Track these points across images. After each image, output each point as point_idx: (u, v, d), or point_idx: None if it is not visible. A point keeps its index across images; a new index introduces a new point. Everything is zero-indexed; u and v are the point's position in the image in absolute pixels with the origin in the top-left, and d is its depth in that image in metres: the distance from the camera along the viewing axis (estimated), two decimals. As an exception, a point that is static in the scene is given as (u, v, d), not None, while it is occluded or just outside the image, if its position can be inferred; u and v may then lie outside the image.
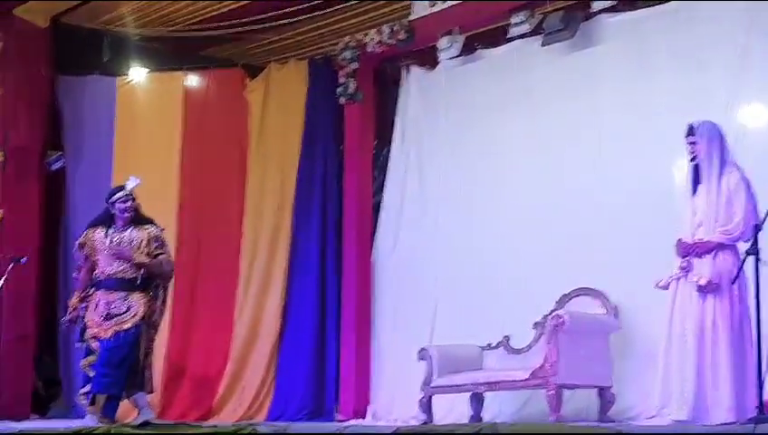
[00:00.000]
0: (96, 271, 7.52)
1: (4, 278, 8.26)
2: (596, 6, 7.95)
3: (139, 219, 7.55)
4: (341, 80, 9.66)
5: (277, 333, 9.60)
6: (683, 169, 6.54)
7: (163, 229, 7.70)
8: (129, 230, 7.48)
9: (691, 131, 6.16)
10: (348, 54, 9.56)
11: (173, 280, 7.88)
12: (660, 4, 7.97)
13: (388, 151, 9.88)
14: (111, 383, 7.30)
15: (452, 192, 9.22)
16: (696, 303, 6.04)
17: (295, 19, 9.64)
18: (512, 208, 8.69)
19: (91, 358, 7.41)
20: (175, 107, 10.24)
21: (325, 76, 10.01)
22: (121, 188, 7.60)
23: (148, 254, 7.45)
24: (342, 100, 9.68)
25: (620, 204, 7.87)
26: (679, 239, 6.20)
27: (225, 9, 9.67)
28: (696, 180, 6.18)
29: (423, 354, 8.07)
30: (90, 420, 7.36)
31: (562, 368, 7.12)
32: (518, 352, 8.00)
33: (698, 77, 7.57)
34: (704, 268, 6.04)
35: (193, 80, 10.39)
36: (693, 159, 6.16)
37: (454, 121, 9.33)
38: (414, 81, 9.80)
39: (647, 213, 7.57)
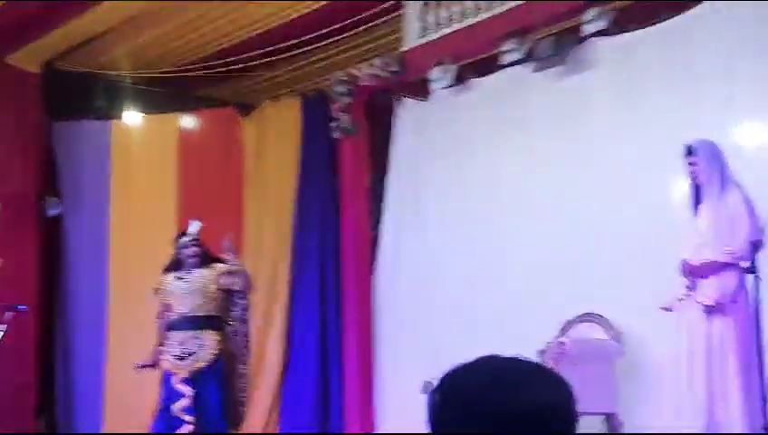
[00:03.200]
0: (169, 313, 7.81)
1: (4, 326, 8.21)
2: (587, 30, 7.91)
3: (207, 260, 7.84)
4: (335, 114, 9.64)
5: (280, 368, 9.55)
6: (681, 191, 6.51)
7: (230, 263, 7.89)
8: (197, 271, 7.77)
9: (690, 151, 6.13)
10: (340, 88, 9.55)
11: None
12: (652, 26, 7.96)
13: (385, 183, 9.86)
14: (217, 427, 7.61)
15: (449, 221, 9.18)
16: (703, 323, 6.00)
17: (287, 54, 9.65)
18: (511, 235, 8.66)
19: (184, 401, 7.56)
20: (170, 149, 10.25)
21: (319, 111, 10.01)
22: (184, 233, 7.89)
23: (219, 288, 7.75)
24: (337, 134, 9.66)
25: (619, 227, 7.83)
26: (684, 260, 6.16)
27: (217, 48, 9.70)
28: (698, 200, 6.15)
29: (427, 387, 7.99)
30: None
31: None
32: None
33: (692, 98, 7.55)
34: (709, 289, 6.00)
35: (187, 121, 10.40)
36: (693, 180, 6.13)
37: (449, 151, 9.31)
38: (407, 112, 9.80)
39: (646, 236, 7.53)
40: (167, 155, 10.24)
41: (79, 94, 10.21)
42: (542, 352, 7.76)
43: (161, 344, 7.83)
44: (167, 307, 7.88)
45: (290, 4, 8.94)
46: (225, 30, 9.45)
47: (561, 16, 8.13)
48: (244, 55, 9.65)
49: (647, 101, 7.85)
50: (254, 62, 9.76)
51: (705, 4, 7.45)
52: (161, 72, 10.10)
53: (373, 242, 9.76)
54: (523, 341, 7.96)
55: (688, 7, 7.59)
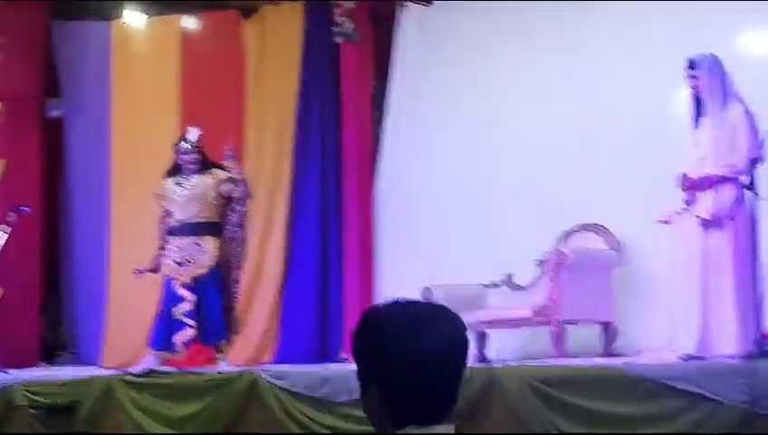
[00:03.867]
0: (169, 219, 7.94)
1: (8, 228, 8.30)
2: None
3: (206, 166, 7.95)
4: (337, 19, 9.54)
5: (280, 277, 9.59)
6: (682, 103, 6.51)
7: (230, 171, 8.04)
8: (196, 177, 7.88)
9: (691, 65, 6.12)
10: (344, -7, 9.45)
11: None
12: None
13: (388, 90, 9.81)
14: (218, 332, 7.89)
15: (452, 129, 9.17)
16: (700, 236, 6.06)
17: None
18: (512, 141, 8.66)
19: (186, 305, 7.74)
20: (172, 51, 10.15)
21: (321, 15, 9.87)
22: (184, 139, 7.99)
23: (218, 195, 7.87)
24: (339, 40, 9.57)
25: (620, 139, 7.86)
26: (683, 173, 6.19)
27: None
28: (698, 113, 6.16)
29: (426, 294, 8.07)
30: (153, 363, 7.80)
31: (565, 304, 7.15)
32: (522, 289, 8.02)
33: (697, 8, 7.50)
34: (707, 202, 6.04)
35: (188, 22, 10.29)
36: (695, 94, 6.13)
37: (452, 57, 9.25)
38: (411, 18, 9.68)
39: (647, 147, 7.57)
40: (169, 57, 10.15)
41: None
42: (541, 262, 7.85)
43: (162, 249, 7.91)
44: (167, 213, 7.95)
45: None
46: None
47: None
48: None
49: (650, 12, 7.79)
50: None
51: None
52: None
53: (374, 148, 9.76)
54: (523, 250, 8.06)
55: None
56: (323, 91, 9.88)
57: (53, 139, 10.38)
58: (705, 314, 6.00)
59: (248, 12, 10.42)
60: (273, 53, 10.02)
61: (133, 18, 10.25)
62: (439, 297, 7.98)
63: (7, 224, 8.50)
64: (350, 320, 9.30)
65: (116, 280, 9.66)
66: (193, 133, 7.99)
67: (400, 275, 9.15)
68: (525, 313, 7.36)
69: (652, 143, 7.50)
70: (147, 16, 10.25)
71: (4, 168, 9.62)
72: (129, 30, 10.28)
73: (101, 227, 9.96)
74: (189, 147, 7.92)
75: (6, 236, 8.40)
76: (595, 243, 7.73)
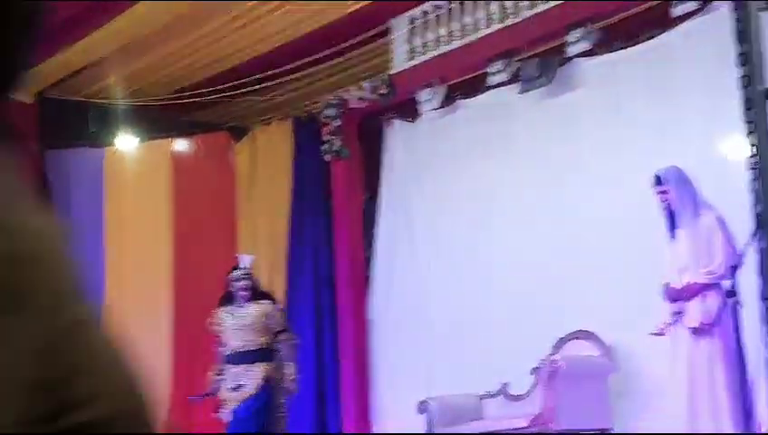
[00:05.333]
0: (223, 347, 8.06)
1: None
2: (571, 51, 8.03)
3: (256, 295, 8.04)
4: (326, 137, 9.73)
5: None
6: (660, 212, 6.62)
7: (278, 305, 8.24)
8: (247, 307, 7.95)
9: (658, 181, 6.28)
10: (331, 112, 9.65)
11: None
12: (635, 45, 8.08)
13: (377, 204, 9.95)
14: None
15: (442, 241, 9.27)
16: (691, 344, 6.13)
17: (278, 81, 9.74)
18: (502, 254, 8.75)
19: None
20: (163, 174, 10.31)
21: (310, 134, 10.09)
22: (236, 267, 8.06)
23: (264, 328, 7.93)
24: (328, 157, 9.75)
25: (607, 245, 7.93)
26: (667, 285, 6.29)
27: (209, 74, 9.80)
28: (673, 225, 6.29)
29: (422, 407, 8.09)
30: None
31: (562, 413, 7.16)
32: (517, 398, 8.03)
33: (676, 117, 7.66)
34: (694, 311, 6.13)
35: (180, 145, 10.48)
36: (666, 207, 6.28)
37: (439, 171, 9.41)
38: (397, 133, 9.90)
39: (634, 254, 7.63)
40: (160, 180, 10.30)
41: (72, 122, 10.28)
42: (535, 370, 7.88)
43: (219, 374, 8.06)
44: (221, 341, 8.11)
45: (279, 30, 9.05)
46: (216, 55, 9.55)
47: (546, 38, 8.25)
48: (236, 82, 9.73)
49: (632, 119, 7.96)
50: (246, 88, 9.84)
51: (687, 22, 7.56)
52: (154, 99, 10.19)
53: (367, 263, 9.85)
54: (517, 359, 8.09)
55: (670, 26, 7.72)
56: (315, 207, 10.01)
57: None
58: (697, 418, 6.03)
59: (240, 132, 10.63)
60: (265, 171, 10.19)
61: (126, 143, 10.42)
62: (435, 409, 8.00)
63: None
64: (348, 427, 9.27)
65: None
66: (246, 260, 8.13)
67: (397, 389, 9.16)
68: (521, 422, 7.36)
69: (639, 247, 7.57)
70: (139, 140, 10.43)
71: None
72: (121, 154, 10.44)
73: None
74: (241, 274, 8.03)
75: None
76: (588, 350, 7.76)
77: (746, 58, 3.03)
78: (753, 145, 3.63)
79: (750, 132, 3.64)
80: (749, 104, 3.36)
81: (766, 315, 2.89)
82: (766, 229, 2.93)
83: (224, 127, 10.71)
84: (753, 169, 3.65)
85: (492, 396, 8.17)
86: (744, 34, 2.90)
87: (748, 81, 3.19)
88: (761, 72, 2.90)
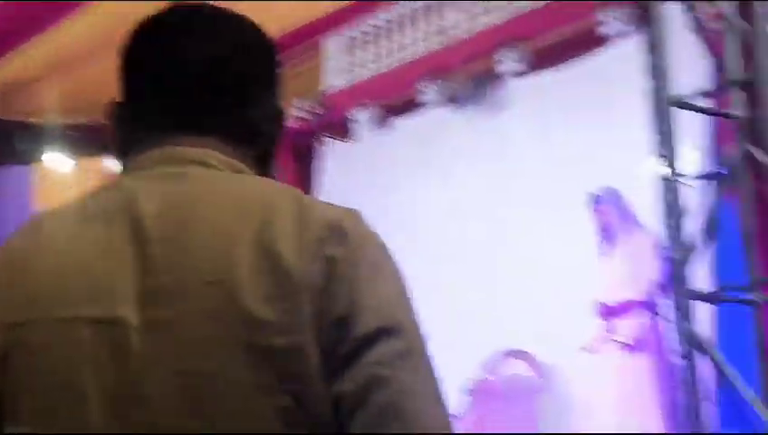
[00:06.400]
0: None
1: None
2: (503, 71, 8.05)
3: None
4: (258, 156, 9.65)
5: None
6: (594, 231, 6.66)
7: None
8: None
9: (595, 200, 6.35)
10: (263, 130, 9.57)
11: None
12: (566, 66, 8.12)
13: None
14: None
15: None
16: (623, 362, 6.16)
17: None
18: (434, 273, 8.70)
19: None
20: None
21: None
22: None
23: None
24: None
25: (539, 264, 7.94)
26: (599, 302, 6.34)
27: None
28: (606, 243, 6.34)
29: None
30: None
31: (493, 432, 7.14)
32: (452, 418, 7.98)
33: (606, 136, 7.70)
34: (626, 328, 6.17)
35: (111, 163, 10.34)
36: (600, 226, 6.34)
37: (371, 191, 9.35)
38: (331, 153, 9.87)
39: (566, 272, 7.65)
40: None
41: (1, 140, 10.14)
42: (466, 389, 7.85)
43: None
44: None
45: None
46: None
47: (479, 58, 8.27)
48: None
49: (562, 139, 8.00)
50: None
51: (618, 44, 7.62)
52: (87, 118, 10.07)
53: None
54: (447, 377, 8.02)
55: (602, 47, 7.78)
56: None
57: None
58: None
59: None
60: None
61: (55, 161, 10.29)
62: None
63: None
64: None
65: None
66: None
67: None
68: (453, 442, 7.32)
69: (570, 266, 7.59)
70: (69, 158, 10.30)
71: None
72: (51, 172, 10.30)
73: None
74: None
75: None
76: (521, 368, 7.76)
77: (656, 69, 3.03)
78: (662, 156, 3.64)
79: (658, 143, 3.66)
80: (658, 115, 3.37)
81: (680, 324, 2.88)
82: (677, 240, 2.92)
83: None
84: (663, 180, 3.67)
85: (424, 416, 8.11)
86: (654, 45, 2.90)
87: (657, 92, 3.20)
88: (666, 82, 2.90)
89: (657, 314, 5.87)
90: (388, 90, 8.94)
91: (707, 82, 6.22)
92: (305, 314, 1.18)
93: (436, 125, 8.88)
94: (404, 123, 9.27)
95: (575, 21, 7.72)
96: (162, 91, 1.37)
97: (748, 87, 2.92)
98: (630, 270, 6.18)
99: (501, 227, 8.31)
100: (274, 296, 1.16)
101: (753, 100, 2.72)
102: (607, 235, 6.34)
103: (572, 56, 8.07)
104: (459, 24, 8.20)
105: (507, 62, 7.87)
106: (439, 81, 8.40)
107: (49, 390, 1.14)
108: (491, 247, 8.33)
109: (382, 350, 1.23)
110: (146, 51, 1.40)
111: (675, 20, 5.67)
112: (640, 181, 7.17)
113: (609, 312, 6.24)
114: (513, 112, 8.41)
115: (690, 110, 2.91)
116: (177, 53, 1.37)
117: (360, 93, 8.98)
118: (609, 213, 6.27)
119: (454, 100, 8.46)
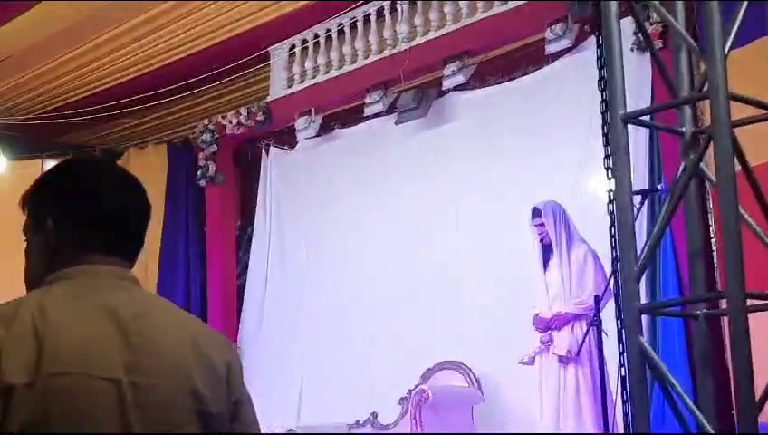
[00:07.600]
0: None
1: None
2: (447, 84, 8.08)
3: None
4: (201, 162, 9.63)
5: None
6: (535, 243, 6.70)
7: None
8: None
9: (536, 213, 6.40)
10: (207, 137, 9.55)
11: None
12: (510, 81, 8.19)
13: (251, 230, 9.87)
14: None
15: (312, 267, 9.25)
16: (559, 373, 6.21)
17: (153, 103, 9.59)
18: (374, 284, 8.74)
19: None
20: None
21: (185, 159, 9.97)
22: None
23: None
24: (203, 182, 9.64)
25: (478, 276, 7.99)
26: (536, 314, 6.39)
27: (82, 95, 9.59)
28: (546, 257, 6.40)
29: (291, 435, 8.00)
30: None
31: (427, 441, 7.17)
32: (386, 428, 8.01)
33: (548, 152, 7.77)
34: (562, 340, 6.23)
35: (49, 165, 10.19)
36: (541, 240, 6.40)
37: (314, 200, 9.39)
38: (274, 161, 9.85)
39: (504, 284, 7.69)
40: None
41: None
42: (403, 400, 7.86)
43: None
44: None
45: (158, 53, 8.93)
46: (89, 78, 9.37)
47: (424, 70, 8.31)
48: (110, 103, 9.54)
49: (505, 154, 8.06)
50: (120, 110, 9.66)
51: (561, 60, 7.70)
52: (25, 119, 9.93)
53: (239, 288, 9.75)
54: (384, 387, 8.07)
55: (544, 63, 7.86)
56: (187, 231, 9.88)
57: None
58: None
59: (114, 155, 10.42)
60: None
61: (-6, 162, 10.13)
62: (304, 439, 7.92)
63: None
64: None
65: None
66: None
67: (265, 417, 9.00)
68: (388, 452, 7.34)
69: (509, 282, 7.63)
70: (7, 159, 10.14)
71: None
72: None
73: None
74: None
75: None
76: (456, 380, 7.79)
77: (606, 83, 3.07)
78: (608, 169, 3.68)
79: (607, 156, 3.69)
80: (607, 130, 3.41)
81: (629, 338, 2.91)
82: (623, 253, 2.96)
83: (97, 149, 10.49)
84: (609, 192, 3.70)
85: (360, 425, 8.12)
86: (606, 59, 2.94)
87: (606, 106, 3.24)
88: (619, 98, 2.94)
89: (594, 326, 5.92)
90: (332, 99, 8.94)
91: (655, 98, 6.33)
92: (224, 394, 1.90)
93: (377, 135, 8.92)
94: (346, 133, 9.29)
95: (521, 36, 7.79)
96: (92, 225, 1.94)
97: (695, 103, 2.99)
98: (568, 283, 6.24)
99: (440, 238, 8.35)
100: (208, 383, 1.85)
101: (698, 116, 2.78)
102: (546, 248, 6.39)
103: (518, 71, 8.14)
104: (405, 35, 8.23)
105: (452, 74, 7.90)
106: (383, 91, 8.42)
107: (76, 414, 1.75)
108: (430, 258, 8.36)
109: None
110: (77, 195, 1.95)
111: (625, 38, 5.75)
112: (584, 196, 7.27)
113: (546, 324, 6.29)
114: (456, 125, 8.46)
115: (639, 125, 2.95)
116: (102, 201, 1.96)
117: (303, 102, 8.97)
118: (549, 226, 6.33)
119: (397, 110, 8.48)
